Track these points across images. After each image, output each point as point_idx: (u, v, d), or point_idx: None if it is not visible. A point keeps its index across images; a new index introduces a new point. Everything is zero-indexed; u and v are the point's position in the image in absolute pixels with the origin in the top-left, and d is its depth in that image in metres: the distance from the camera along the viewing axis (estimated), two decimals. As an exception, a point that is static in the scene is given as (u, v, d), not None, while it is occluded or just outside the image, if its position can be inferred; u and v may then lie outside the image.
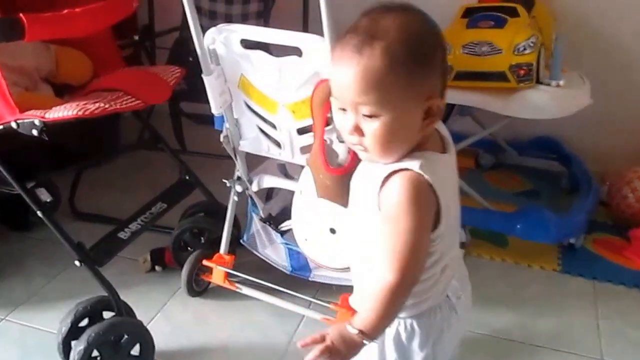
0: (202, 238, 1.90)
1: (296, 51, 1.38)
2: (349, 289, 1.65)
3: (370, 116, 0.90)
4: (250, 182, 1.70)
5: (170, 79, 1.63)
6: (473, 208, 2.09)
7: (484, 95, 2.01)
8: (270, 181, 1.67)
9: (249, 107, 1.56)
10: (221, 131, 1.63)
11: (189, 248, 1.90)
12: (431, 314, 1.04)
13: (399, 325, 1.03)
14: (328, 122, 1.37)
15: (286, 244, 1.71)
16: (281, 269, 1.75)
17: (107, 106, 1.43)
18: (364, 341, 0.92)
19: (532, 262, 2.04)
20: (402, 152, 0.94)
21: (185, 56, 2.21)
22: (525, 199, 2.42)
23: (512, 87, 1.98)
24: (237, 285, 1.73)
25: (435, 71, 0.92)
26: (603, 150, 2.53)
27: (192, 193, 1.88)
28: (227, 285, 1.74)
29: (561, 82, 2.06)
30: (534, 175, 2.61)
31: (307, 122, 1.47)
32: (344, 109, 0.93)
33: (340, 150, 1.40)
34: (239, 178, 1.73)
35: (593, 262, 2.02)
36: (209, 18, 2.34)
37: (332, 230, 1.38)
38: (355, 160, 1.31)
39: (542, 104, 1.97)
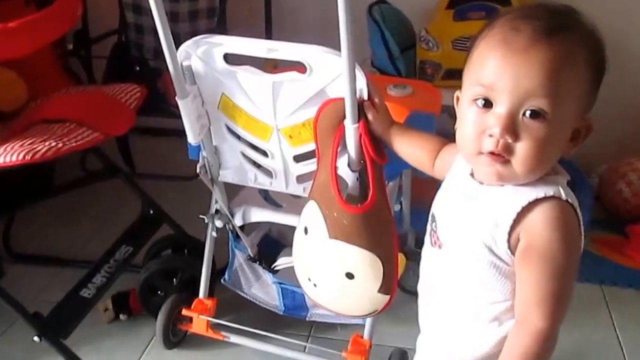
0: (174, 279, 1.64)
1: (296, 66, 1.15)
2: (354, 328, 1.48)
3: (537, 115, 0.75)
4: (232, 215, 1.46)
5: (131, 101, 1.36)
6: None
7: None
8: (258, 215, 1.44)
9: (231, 131, 1.31)
10: (197, 161, 1.38)
11: (159, 292, 1.64)
12: None
13: None
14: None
15: (279, 283, 1.48)
16: (271, 309, 1.53)
17: (60, 145, 1.15)
18: None
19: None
20: (542, 173, 0.80)
21: (127, 64, 1.92)
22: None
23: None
24: (222, 334, 1.50)
25: (598, 87, 0.80)
26: (585, 144, 2.43)
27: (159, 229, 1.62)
28: (211, 334, 1.50)
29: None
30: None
31: (307, 147, 1.25)
32: (487, 102, 0.78)
33: (350, 179, 1.19)
34: (217, 211, 1.48)
35: (597, 265, 1.91)
36: (152, 16, 2.04)
37: (350, 275, 1.17)
38: (377, 193, 1.12)
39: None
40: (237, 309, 1.60)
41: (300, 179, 1.33)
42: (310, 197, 1.20)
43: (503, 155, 0.78)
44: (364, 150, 1.12)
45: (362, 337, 1.43)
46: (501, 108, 0.77)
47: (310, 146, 1.24)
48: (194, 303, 1.51)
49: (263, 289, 1.54)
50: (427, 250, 0.95)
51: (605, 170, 2.24)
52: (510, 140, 0.77)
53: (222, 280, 1.56)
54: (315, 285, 1.23)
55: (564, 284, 0.79)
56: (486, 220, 0.81)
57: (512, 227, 0.79)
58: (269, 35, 2.09)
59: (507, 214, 0.79)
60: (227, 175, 1.40)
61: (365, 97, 1.09)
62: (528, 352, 0.79)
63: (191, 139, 1.28)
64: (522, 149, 0.77)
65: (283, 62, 1.15)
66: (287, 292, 1.49)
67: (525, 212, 0.79)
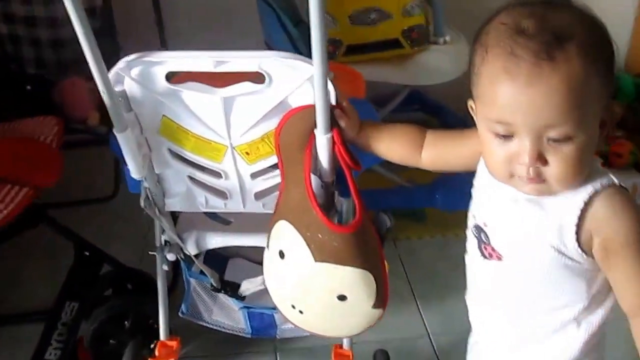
0: (125, 322, 1.48)
1: (252, 76, 1.04)
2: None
3: (561, 140, 0.74)
4: (184, 243, 1.34)
5: (51, 138, 1.17)
6: (387, 189, 1.96)
7: (380, 67, 1.86)
8: (215, 240, 1.32)
9: (175, 155, 1.18)
10: (138, 193, 1.24)
11: (110, 340, 1.48)
12: None
13: None
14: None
15: (247, 307, 1.39)
16: (238, 333, 1.44)
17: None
18: None
19: (459, 231, 1.95)
20: (583, 178, 0.79)
21: (15, 84, 1.68)
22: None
23: (407, 53, 1.84)
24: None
25: (612, 70, 0.78)
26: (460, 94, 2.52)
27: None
28: (183, 377, 1.39)
29: (447, 38, 1.97)
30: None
31: (266, 162, 1.16)
32: (507, 136, 0.77)
33: (315, 187, 1.12)
34: (167, 243, 1.35)
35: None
36: (26, 25, 1.80)
37: (342, 297, 1.09)
38: (361, 208, 1.05)
39: (441, 66, 1.87)
40: (195, 336, 1.49)
41: (259, 195, 1.23)
42: (281, 218, 1.12)
43: (537, 180, 0.78)
44: (341, 160, 1.05)
45: (341, 347, 1.39)
46: (524, 140, 0.76)
47: (270, 160, 1.15)
48: (157, 348, 1.38)
49: (225, 313, 1.44)
50: (478, 263, 0.92)
51: None
52: (541, 166, 0.76)
53: (180, 314, 1.43)
54: (301, 312, 1.15)
55: None
56: (550, 224, 0.80)
57: (579, 226, 0.78)
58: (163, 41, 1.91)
59: (569, 215, 0.78)
60: (174, 204, 1.27)
61: (333, 102, 1.03)
62: None
63: (135, 173, 1.14)
64: (555, 171, 0.76)
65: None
66: (255, 315, 1.40)
67: (587, 208, 0.78)
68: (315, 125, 1.03)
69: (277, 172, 1.16)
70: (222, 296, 1.42)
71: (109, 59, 1.01)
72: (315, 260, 1.06)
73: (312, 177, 1.07)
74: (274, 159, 1.14)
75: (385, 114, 2.44)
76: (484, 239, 0.89)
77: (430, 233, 1.97)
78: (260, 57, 1.01)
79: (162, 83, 1.05)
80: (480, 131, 0.83)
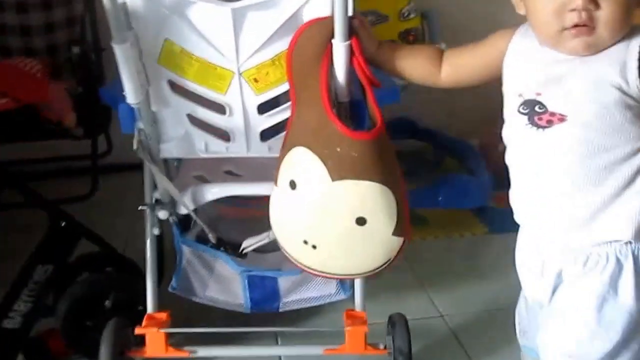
0: (105, 302, 1.33)
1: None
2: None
3: None
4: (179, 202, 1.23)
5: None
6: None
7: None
8: (216, 190, 1.21)
9: (175, 89, 1.10)
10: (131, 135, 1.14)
11: (87, 324, 1.32)
12: None
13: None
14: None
15: (247, 271, 1.26)
16: (235, 309, 1.30)
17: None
18: None
19: (463, 231, 1.91)
20: (625, 33, 0.84)
21: None
22: (406, 180, 2.27)
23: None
24: (185, 349, 1.23)
25: None
26: (455, 120, 2.51)
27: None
28: (173, 354, 1.23)
29: (443, 46, 1.97)
30: (400, 156, 2.47)
31: (274, 92, 1.08)
32: None
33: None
34: (158, 201, 1.24)
35: (506, 217, 1.89)
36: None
37: (361, 220, 1.01)
38: (382, 120, 0.99)
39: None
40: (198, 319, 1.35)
41: (265, 134, 1.14)
42: (293, 145, 1.03)
43: (588, 24, 0.81)
44: (360, 71, 0.99)
45: (353, 310, 1.26)
46: None
47: (279, 90, 1.08)
48: (144, 320, 1.23)
49: (221, 287, 1.30)
50: (533, 140, 0.90)
51: (484, 136, 2.28)
52: (592, 9, 0.80)
53: (170, 289, 1.29)
54: (314, 246, 1.05)
55: None
56: (610, 65, 0.83)
57: (639, 60, 0.82)
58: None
59: (630, 53, 0.82)
60: (170, 149, 1.17)
61: (351, 13, 0.98)
62: None
63: (132, 97, 1.04)
64: (605, 14, 0.81)
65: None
66: (256, 282, 1.27)
67: None
68: (332, 36, 0.97)
69: (285, 106, 1.10)
70: (219, 265, 1.29)
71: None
72: (333, 180, 0.98)
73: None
74: (282, 88, 1.07)
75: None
76: (538, 110, 0.89)
77: (434, 234, 1.88)
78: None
79: (169, -9, 0.99)
80: None
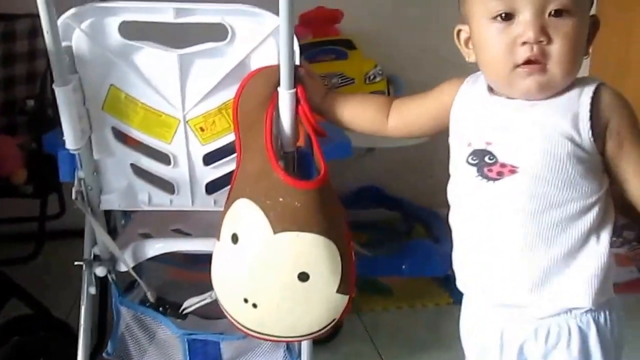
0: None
1: (211, 33, 0.97)
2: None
3: (561, 13, 0.78)
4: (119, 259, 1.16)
5: None
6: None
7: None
8: (158, 247, 1.15)
9: (118, 136, 1.06)
10: (71, 183, 1.09)
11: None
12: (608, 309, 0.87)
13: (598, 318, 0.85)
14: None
15: (188, 334, 1.18)
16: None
17: None
18: None
19: (427, 302, 1.85)
20: (574, 76, 0.82)
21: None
22: (372, 249, 2.24)
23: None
24: None
25: None
26: (423, 187, 2.50)
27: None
28: None
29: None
30: (368, 225, 2.44)
31: (221, 142, 1.05)
32: (508, 15, 0.79)
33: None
34: (97, 257, 1.17)
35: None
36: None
37: (304, 276, 0.95)
38: (327, 171, 0.95)
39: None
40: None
41: (211, 187, 1.10)
42: (236, 197, 0.99)
43: (540, 60, 0.79)
44: (306, 120, 0.96)
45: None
46: (526, 15, 0.79)
47: (226, 139, 1.05)
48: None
49: (161, 352, 1.22)
50: (482, 191, 0.86)
51: None
52: (544, 42, 0.79)
53: (105, 355, 1.20)
54: (255, 305, 0.98)
55: None
56: (562, 116, 0.81)
57: (592, 112, 0.80)
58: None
59: (583, 103, 0.80)
60: (112, 201, 1.11)
61: (298, 62, 0.96)
62: None
63: (72, 142, 0.99)
64: (557, 48, 0.79)
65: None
66: (197, 347, 1.19)
67: (596, 97, 0.81)
68: (278, 84, 0.95)
69: (231, 157, 1.06)
70: (161, 330, 1.21)
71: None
72: (275, 232, 0.93)
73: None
74: (229, 138, 1.04)
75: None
76: (488, 160, 0.85)
77: (397, 304, 1.81)
78: (225, 9, 0.95)
79: (115, 37, 0.97)
80: (477, 30, 0.84)
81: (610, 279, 0.86)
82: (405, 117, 1.00)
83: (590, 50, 0.85)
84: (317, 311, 0.98)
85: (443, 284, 1.93)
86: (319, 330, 1.01)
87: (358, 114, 1.02)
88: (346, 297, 0.98)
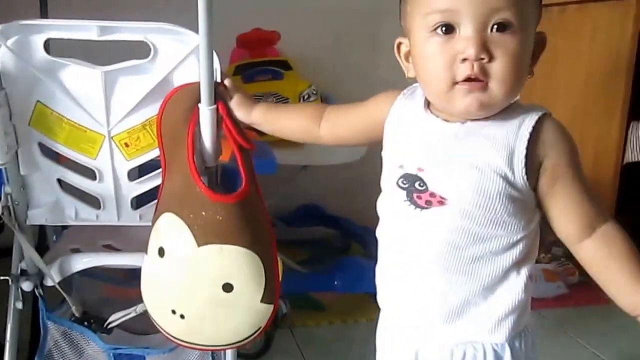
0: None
1: (134, 51, 1.01)
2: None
3: (504, 28, 0.74)
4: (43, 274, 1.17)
5: None
6: (284, 275, 1.86)
7: (277, 149, 1.86)
8: (85, 261, 1.17)
9: (46, 153, 1.08)
10: (-4, 199, 1.10)
11: None
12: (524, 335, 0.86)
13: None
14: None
15: (113, 348, 1.20)
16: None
17: None
18: None
19: (359, 317, 1.88)
20: (517, 95, 0.79)
21: None
22: (310, 266, 2.28)
23: (303, 135, 1.89)
24: None
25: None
26: (358, 207, 2.56)
27: None
28: None
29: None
30: (307, 243, 2.49)
31: (145, 157, 1.09)
32: (449, 28, 0.75)
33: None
34: (24, 272, 1.18)
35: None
36: None
37: (228, 287, 0.98)
38: (249, 182, 0.99)
39: (335, 150, 1.91)
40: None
41: (136, 202, 1.13)
42: (162, 211, 1.02)
43: (481, 78, 0.75)
44: (229, 135, 1.00)
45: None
46: (468, 29, 0.74)
47: (150, 155, 1.08)
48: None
49: (88, 367, 1.23)
50: (409, 218, 0.83)
51: None
52: (485, 60, 0.74)
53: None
54: (182, 316, 1.01)
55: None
56: (497, 151, 0.77)
57: (528, 149, 0.76)
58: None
59: (520, 139, 0.77)
60: (39, 216, 1.13)
61: (219, 79, 1.00)
62: (627, 241, 0.80)
63: (-2, 158, 1.02)
64: (499, 66, 0.74)
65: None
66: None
67: (536, 132, 0.77)
68: (199, 100, 0.99)
69: (155, 173, 1.09)
70: (90, 347, 1.22)
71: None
72: (199, 245, 0.97)
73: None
74: (153, 154, 1.08)
75: (284, 228, 2.44)
76: (418, 187, 0.82)
77: (329, 320, 1.85)
78: (147, 27, 0.99)
79: (40, 54, 1.00)
80: (416, 43, 0.80)
81: (528, 309, 0.85)
82: (337, 127, 0.98)
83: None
84: (241, 320, 1.02)
85: (375, 299, 1.97)
86: (245, 339, 1.05)
87: (291, 123, 1.01)
88: (270, 307, 1.03)
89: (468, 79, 0.75)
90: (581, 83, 2.14)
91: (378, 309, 1.91)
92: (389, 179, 0.86)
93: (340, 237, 2.47)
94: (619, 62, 2.07)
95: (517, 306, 0.82)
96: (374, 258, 2.01)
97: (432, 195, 0.80)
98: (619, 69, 2.05)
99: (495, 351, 0.83)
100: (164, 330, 1.06)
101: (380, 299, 0.95)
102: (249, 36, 2.09)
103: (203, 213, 0.97)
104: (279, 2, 2.25)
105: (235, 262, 0.98)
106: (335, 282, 1.82)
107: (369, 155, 2.33)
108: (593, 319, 1.85)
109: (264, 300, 1.01)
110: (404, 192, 0.83)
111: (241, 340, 1.05)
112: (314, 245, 2.48)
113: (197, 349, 1.09)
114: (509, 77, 0.75)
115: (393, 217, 0.87)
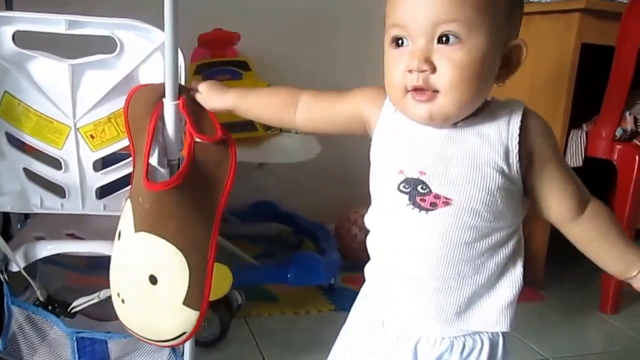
0: None
1: (101, 46, 1.06)
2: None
3: (447, 40, 0.75)
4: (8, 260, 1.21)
5: None
6: (239, 267, 1.92)
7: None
8: (50, 248, 1.21)
9: (12, 142, 1.12)
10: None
11: None
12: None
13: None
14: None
15: (76, 332, 1.24)
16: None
17: None
18: None
19: (309, 309, 1.95)
20: (475, 106, 0.80)
21: None
22: (263, 260, 2.34)
23: (260, 135, 1.94)
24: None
25: (521, 10, 0.83)
26: (311, 204, 2.63)
27: None
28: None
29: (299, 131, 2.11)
30: (261, 238, 2.55)
31: (110, 149, 1.13)
32: (402, 41, 0.79)
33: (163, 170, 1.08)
34: (-12, 258, 1.21)
35: (352, 296, 1.97)
36: None
37: (153, 279, 1.00)
38: (190, 169, 0.99)
39: (293, 148, 1.98)
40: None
41: (101, 192, 1.18)
42: (127, 197, 1.07)
43: (426, 88, 0.77)
44: (186, 126, 1.05)
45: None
46: (413, 42, 0.77)
47: (115, 147, 1.13)
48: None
49: (51, 351, 1.27)
50: (412, 221, 0.84)
51: (338, 220, 2.46)
52: (428, 71, 0.76)
53: (-6, 352, 1.24)
54: (123, 301, 1.05)
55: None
56: (493, 148, 0.80)
57: (520, 142, 0.80)
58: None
59: (511, 132, 0.80)
60: (4, 203, 1.17)
61: (183, 79, 1.05)
62: (611, 212, 0.87)
63: (-34, 147, 1.06)
64: (444, 77, 0.76)
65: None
66: (86, 345, 1.25)
67: (525, 125, 0.81)
68: (163, 96, 1.04)
69: (120, 164, 1.14)
70: (53, 331, 1.26)
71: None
72: (135, 231, 1.00)
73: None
74: (118, 146, 1.13)
75: (238, 224, 2.49)
76: (420, 190, 0.83)
77: (281, 310, 1.92)
78: (114, 23, 1.05)
79: (8, 45, 1.04)
80: (384, 52, 0.83)
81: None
82: (316, 118, 0.98)
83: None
84: (163, 318, 1.03)
85: (326, 292, 2.06)
86: (168, 340, 1.05)
87: (267, 108, 1.02)
88: (195, 313, 1.01)
89: (416, 89, 0.78)
90: (525, 91, 2.24)
91: (327, 302, 2.00)
92: (387, 186, 0.86)
93: (293, 233, 2.54)
94: (561, 72, 2.18)
95: (516, 295, 0.87)
96: (325, 253, 2.10)
97: (437, 197, 0.82)
98: (561, 79, 2.16)
99: (490, 340, 0.88)
100: (117, 313, 1.09)
101: (381, 300, 0.94)
102: (210, 36, 2.13)
103: (140, 199, 1.01)
104: (241, 4, 2.32)
105: (158, 254, 0.99)
106: (289, 275, 1.89)
107: (322, 154, 2.43)
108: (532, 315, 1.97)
109: (186, 302, 1.00)
110: (406, 196, 0.84)
111: (164, 340, 1.06)
112: (268, 241, 2.54)
113: (136, 337, 1.10)
114: (457, 87, 0.76)
115: (395, 223, 0.87)
